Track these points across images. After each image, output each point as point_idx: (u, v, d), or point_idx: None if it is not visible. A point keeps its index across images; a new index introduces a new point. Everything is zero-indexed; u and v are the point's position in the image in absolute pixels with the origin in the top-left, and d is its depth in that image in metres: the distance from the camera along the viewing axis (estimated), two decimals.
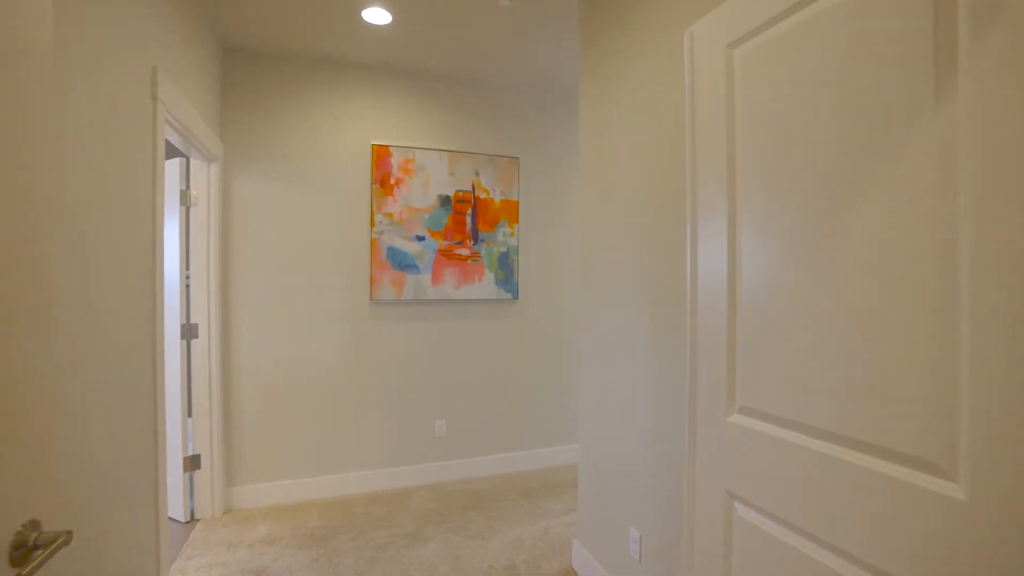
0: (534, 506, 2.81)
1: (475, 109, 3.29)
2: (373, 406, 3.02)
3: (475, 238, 3.24)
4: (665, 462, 1.56)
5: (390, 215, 3.03)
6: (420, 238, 3.10)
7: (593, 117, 1.99)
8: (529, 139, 3.43)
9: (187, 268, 2.56)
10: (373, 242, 2.99)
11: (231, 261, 2.76)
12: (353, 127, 2.99)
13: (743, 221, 1.13)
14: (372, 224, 2.99)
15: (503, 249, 3.31)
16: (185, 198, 2.51)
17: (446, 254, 3.16)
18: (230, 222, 2.76)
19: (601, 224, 1.92)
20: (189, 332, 2.52)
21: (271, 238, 2.83)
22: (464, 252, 3.21)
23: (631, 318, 1.74)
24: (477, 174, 3.26)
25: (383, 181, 3.02)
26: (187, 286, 2.56)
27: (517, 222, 3.35)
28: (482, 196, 3.27)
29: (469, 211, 3.23)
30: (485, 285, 3.26)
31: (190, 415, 2.71)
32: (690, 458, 1.27)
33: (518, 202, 3.35)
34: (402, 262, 3.05)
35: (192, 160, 2.54)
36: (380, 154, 3.01)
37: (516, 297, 3.34)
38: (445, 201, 3.17)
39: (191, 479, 2.57)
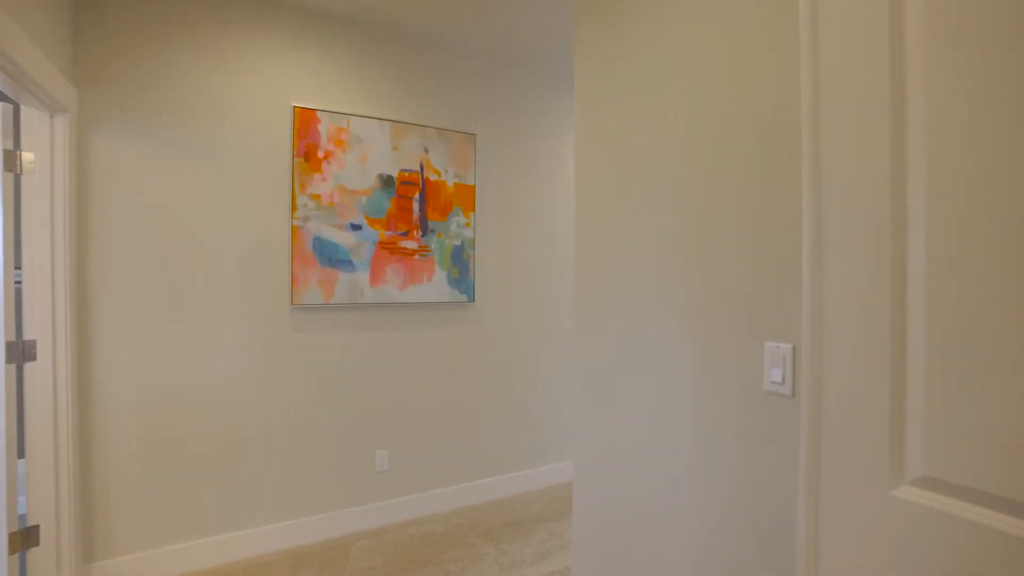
0: (502, 553, 2.32)
1: (425, 73, 2.73)
2: (295, 438, 2.38)
3: (424, 228, 2.69)
4: (738, 550, 1.15)
5: (317, 197, 2.40)
6: (356, 227, 2.50)
7: (596, 58, 1.54)
8: (488, 112, 2.93)
9: (16, 263, 1.79)
10: (295, 231, 2.35)
11: (90, 253, 2.01)
12: (270, 82, 2.33)
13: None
14: (294, 208, 2.35)
15: (457, 242, 2.79)
16: (12, 161, 1.75)
17: (388, 247, 2.58)
18: (88, 199, 2.01)
19: (606, 218, 1.48)
20: (20, 353, 1.77)
21: (151, 222, 2.11)
22: (410, 245, 2.65)
23: (655, 330, 1.31)
24: (426, 151, 2.70)
25: (308, 154, 2.39)
26: (16, 289, 1.79)
27: (473, 210, 2.84)
28: (432, 178, 2.72)
29: (416, 195, 2.67)
30: (436, 285, 2.72)
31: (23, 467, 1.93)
32: (808, 558, 0.85)
33: (474, 187, 2.84)
34: (333, 257, 2.44)
35: (24, 109, 1.78)
36: (305, 120, 2.38)
37: (472, 299, 2.83)
38: (387, 182, 2.59)
39: (22, 560, 1.81)
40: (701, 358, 1.21)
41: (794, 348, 1.04)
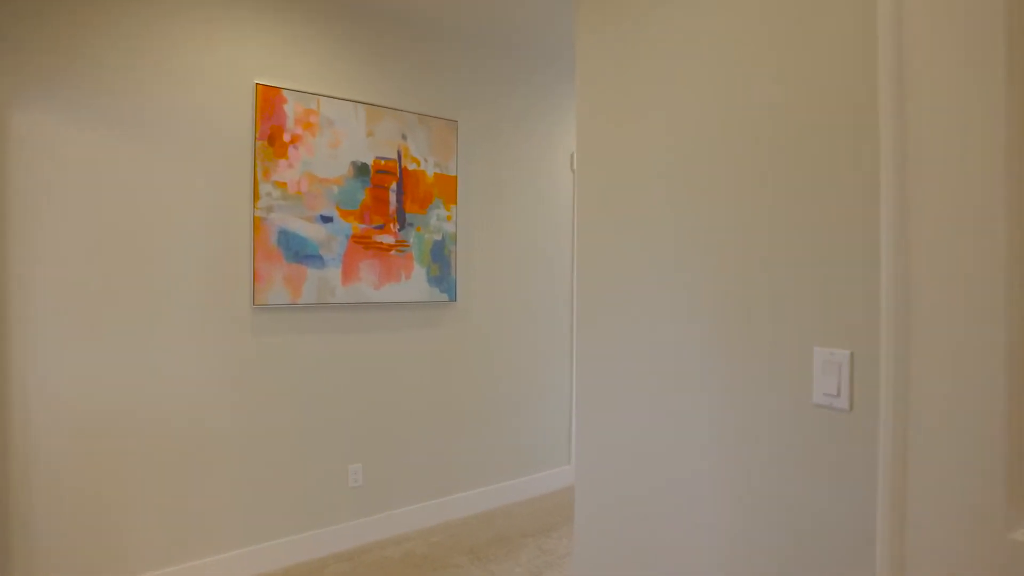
0: (489, 574, 2.14)
1: (404, 53, 2.52)
2: (258, 454, 2.14)
3: (401, 222, 2.47)
4: None
5: (283, 185, 2.16)
6: (326, 219, 2.27)
7: (605, 33, 1.37)
8: (472, 98, 2.74)
9: None
10: (257, 223, 2.11)
11: (8, 251, 1.73)
12: (229, 56, 2.08)
13: None
14: (256, 197, 2.10)
15: (437, 237, 2.58)
16: None
17: (362, 242, 2.36)
18: (4, 182, 1.73)
19: (615, 203, 1.31)
20: None
21: (84, 210, 1.83)
22: (387, 240, 2.43)
23: (674, 333, 1.15)
24: (404, 138, 2.49)
25: (273, 137, 2.14)
26: None
27: (455, 203, 2.64)
28: (411, 167, 2.51)
29: (394, 186, 2.46)
30: (414, 283, 2.51)
31: None
32: None
33: (456, 177, 2.65)
34: (300, 252, 2.20)
35: None
36: (269, 99, 2.13)
37: (453, 298, 2.63)
38: (361, 171, 2.37)
39: None
40: (732, 366, 1.05)
41: (852, 355, 0.89)
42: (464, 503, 2.68)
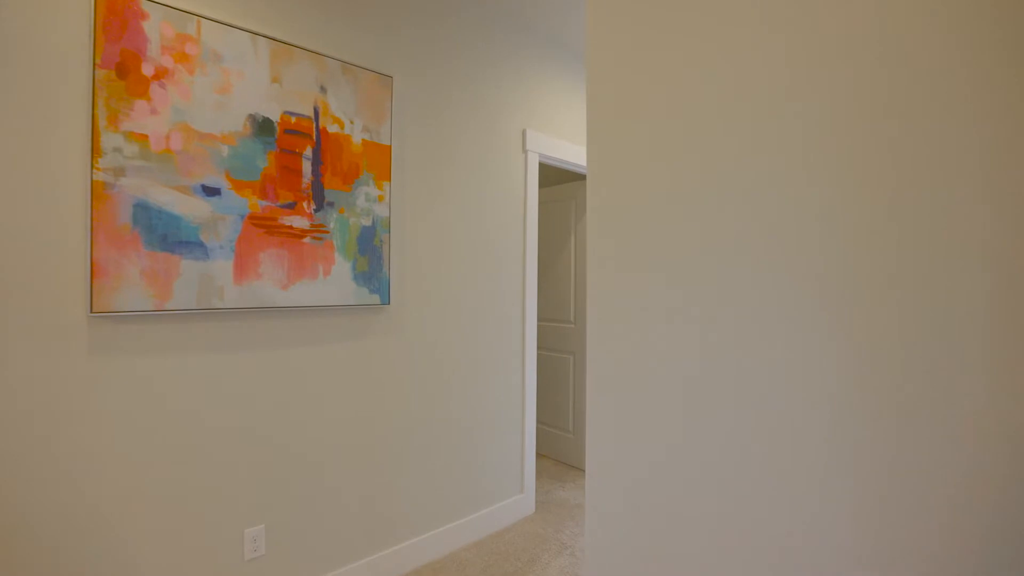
0: None
1: None
2: (105, 528, 1.46)
3: (319, 200, 1.89)
4: None
5: (142, 139, 1.50)
6: (211, 191, 1.63)
7: None
8: (414, 52, 2.20)
9: None
10: (98, 191, 1.43)
11: None
12: None
13: None
14: (96, 153, 1.42)
15: (366, 221, 2.02)
16: None
17: (265, 224, 1.74)
18: None
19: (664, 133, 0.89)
20: None
21: None
22: (299, 223, 1.83)
23: (778, 332, 0.76)
24: (323, 91, 1.90)
25: (126, 67, 1.47)
26: None
27: (389, 179, 2.09)
28: (331, 129, 1.92)
29: (308, 151, 1.86)
30: (336, 282, 1.93)
31: None
32: None
33: (390, 148, 2.10)
34: (171, 235, 1.55)
35: None
36: (116, 10, 1.46)
37: (386, 301, 2.08)
38: (263, 128, 1.75)
39: None
40: (890, 383, 0.66)
41: None
42: (404, 557, 2.14)
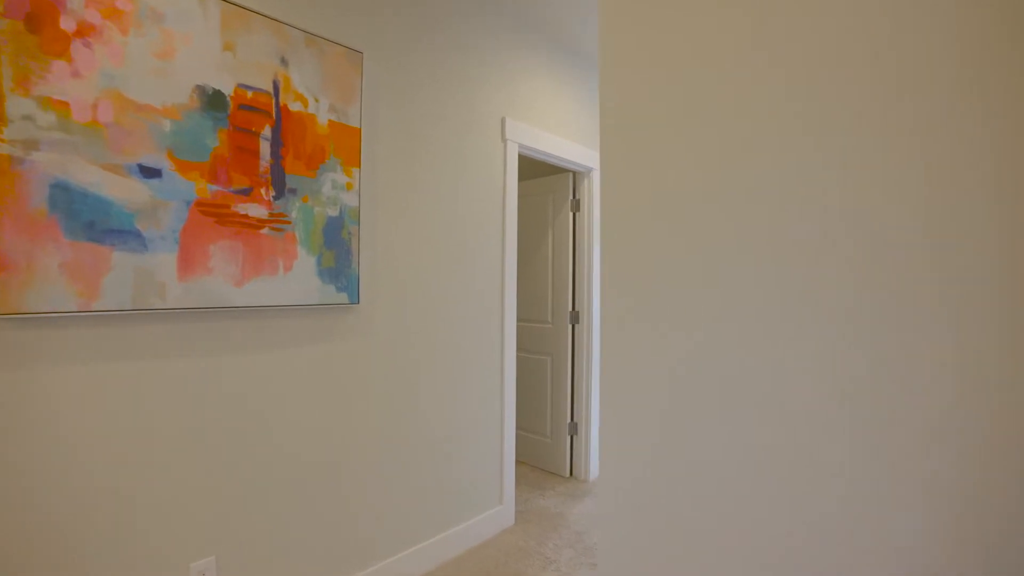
0: None
1: None
2: (18, 571, 1.21)
3: (279, 186, 1.67)
4: None
5: (61, 107, 1.25)
6: (151, 172, 1.40)
7: None
8: (387, 27, 2.00)
9: None
10: (2, 166, 1.18)
11: None
12: None
13: None
14: (1, 121, 1.18)
15: (333, 211, 1.82)
16: None
17: (215, 212, 1.52)
18: None
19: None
20: None
21: None
22: (256, 211, 1.61)
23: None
24: (284, 63, 1.69)
25: (38, 19, 1.23)
26: None
27: (357, 165, 1.89)
28: (293, 107, 1.71)
29: (267, 131, 1.65)
30: (299, 278, 1.72)
31: None
32: None
33: (360, 130, 1.90)
34: (99, 223, 1.31)
35: None
36: None
37: (355, 300, 1.89)
38: (213, 102, 1.52)
39: None
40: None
41: None
42: None
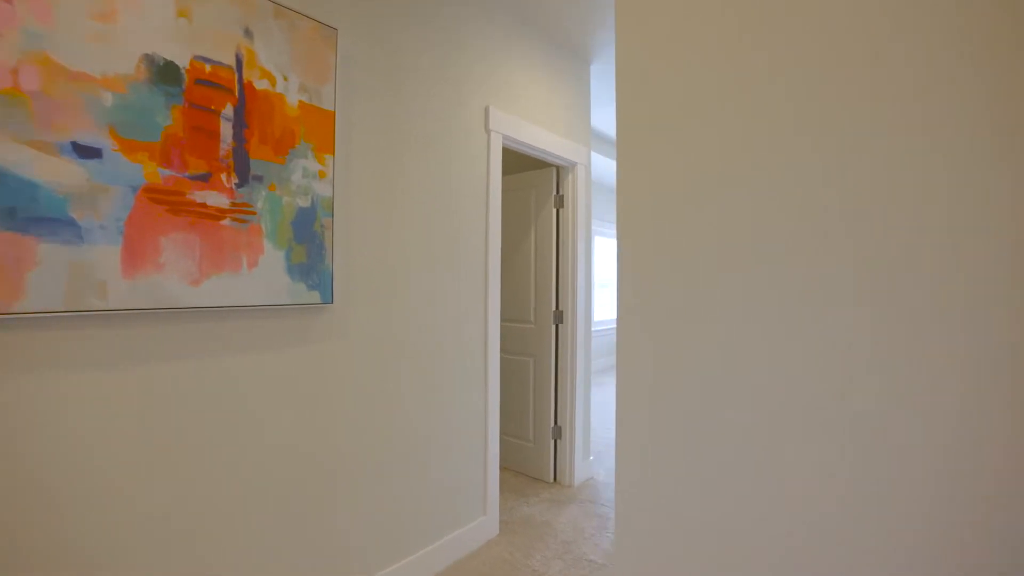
0: None
1: None
2: None
3: (242, 172, 1.49)
4: None
5: None
6: (88, 151, 1.20)
7: None
8: (364, 2, 1.84)
9: None
10: None
11: None
12: None
13: None
14: None
15: (304, 202, 1.65)
16: None
17: (168, 200, 1.34)
18: None
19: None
20: None
21: None
22: (215, 200, 1.43)
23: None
24: (249, 35, 1.51)
25: None
26: None
27: (331, 151, 1.73)
28: (259, 85, 1.54)
29: (229, 110, 1.47)
30: (264, 275, 1.55)
31: None
32: None
33: (333, 113, 1.73)
34: (22, 209, 1.12)
35: None
36: None
37: (329, 299, 1.72)
38: (165, 74, 1.34)
39: None
40: None
41: None
42: None
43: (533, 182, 3.23)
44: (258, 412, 1.56)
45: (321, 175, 1.70)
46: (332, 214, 1.73)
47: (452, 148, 2.22)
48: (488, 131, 2.42)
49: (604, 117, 4.21)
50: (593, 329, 7.92)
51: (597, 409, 5.01)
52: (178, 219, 1.35)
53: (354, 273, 1.84)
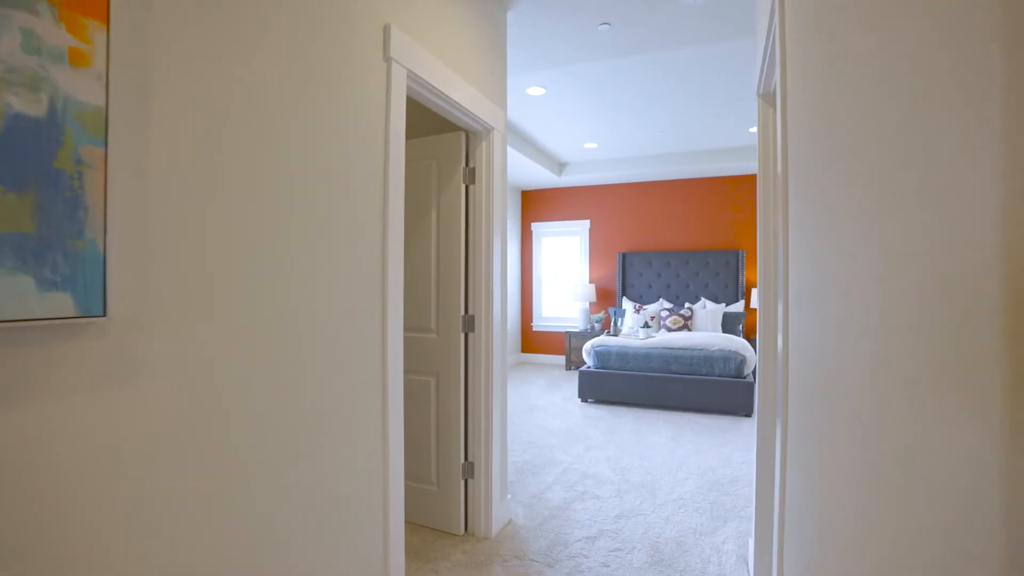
0: None
1: None
2: None
3: None
4: None
5: None
6: None
7: None
8: None
9: None
10: None
11: None
12: None
13: None
14: None
15: (29, 106, 0.78)
16: None
17: None
18: None
19: None
20: None
21: None
22: None
23: None
24: None
25: None
26: None
27: (104, 18, 0.87)
28: None
29: None
30: None
31: None
32: None
33: None
34: None
35: None
36: None
37: (96, 309, 0.86)
38: None
39: None
40: None
41: None
42: None
43: (435, 150, 2.52)
44: None
45: (78, 58, 0.84)
46: (106, 139, 0.88)
47: (334, 74, 1.45)
48: (388, 59, 1.68)
49: (517, 91, 3.36)
50: (545, 328, 7.33)
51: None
52: None
53: (160, 260, 0.99)
